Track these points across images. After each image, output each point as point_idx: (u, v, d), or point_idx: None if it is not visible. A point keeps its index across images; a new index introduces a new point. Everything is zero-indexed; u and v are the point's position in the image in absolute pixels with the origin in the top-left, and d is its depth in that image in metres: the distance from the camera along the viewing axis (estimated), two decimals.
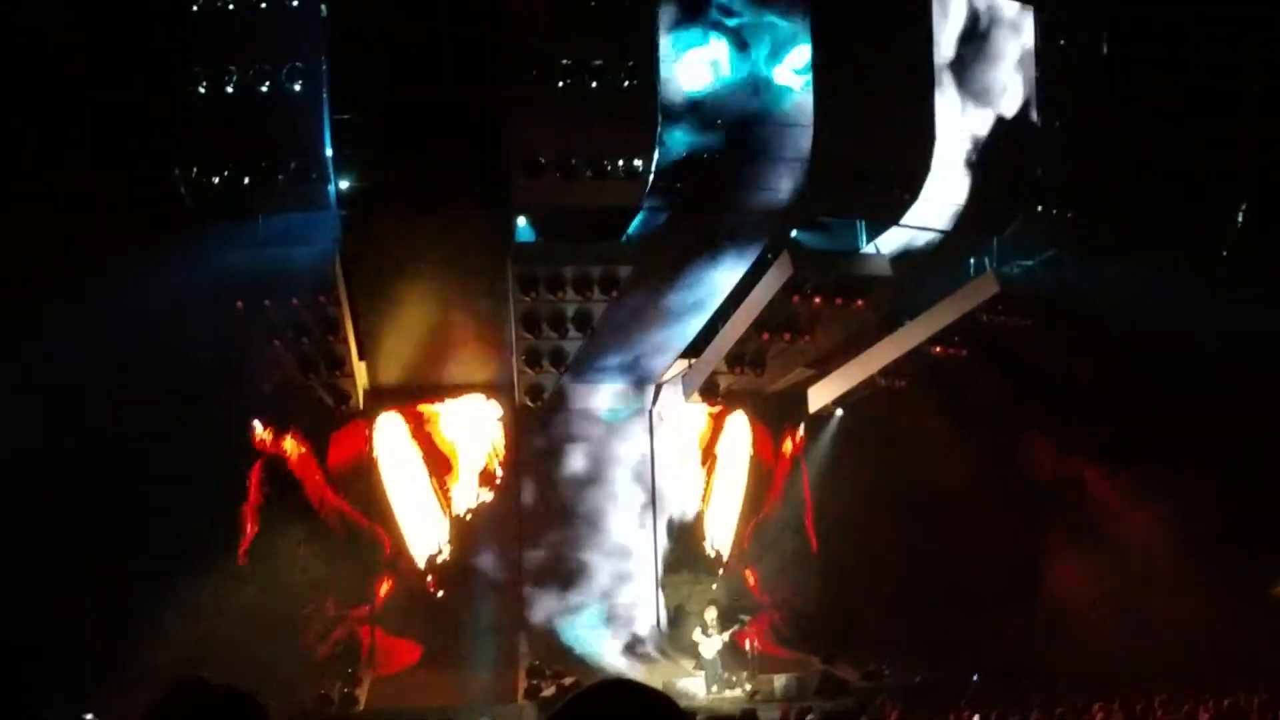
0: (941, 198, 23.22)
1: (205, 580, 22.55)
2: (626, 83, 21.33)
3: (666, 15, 21.62)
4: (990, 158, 23.51)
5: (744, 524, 26.99)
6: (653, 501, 26.05)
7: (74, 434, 20.96)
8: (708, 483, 27.06)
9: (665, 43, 21.60)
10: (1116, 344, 22.87)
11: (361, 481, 25.53)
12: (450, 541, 25.48)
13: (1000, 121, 23.67)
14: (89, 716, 6.34)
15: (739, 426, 27.26)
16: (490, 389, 25.46)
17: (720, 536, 26.96)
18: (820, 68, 21.98)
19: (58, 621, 20.47)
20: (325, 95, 20.73)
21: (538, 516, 25.80)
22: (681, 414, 26.47)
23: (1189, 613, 22.75)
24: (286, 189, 21.40)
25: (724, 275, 23.82)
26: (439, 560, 25.40)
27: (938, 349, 24.63)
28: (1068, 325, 23.10)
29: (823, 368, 26.69)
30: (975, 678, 22.87)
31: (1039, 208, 24.17)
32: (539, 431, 25.84)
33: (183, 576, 21.88)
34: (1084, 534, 23.08)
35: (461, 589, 25.03)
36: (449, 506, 25.58)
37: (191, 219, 21.14)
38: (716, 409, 26.80)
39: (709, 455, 27.04)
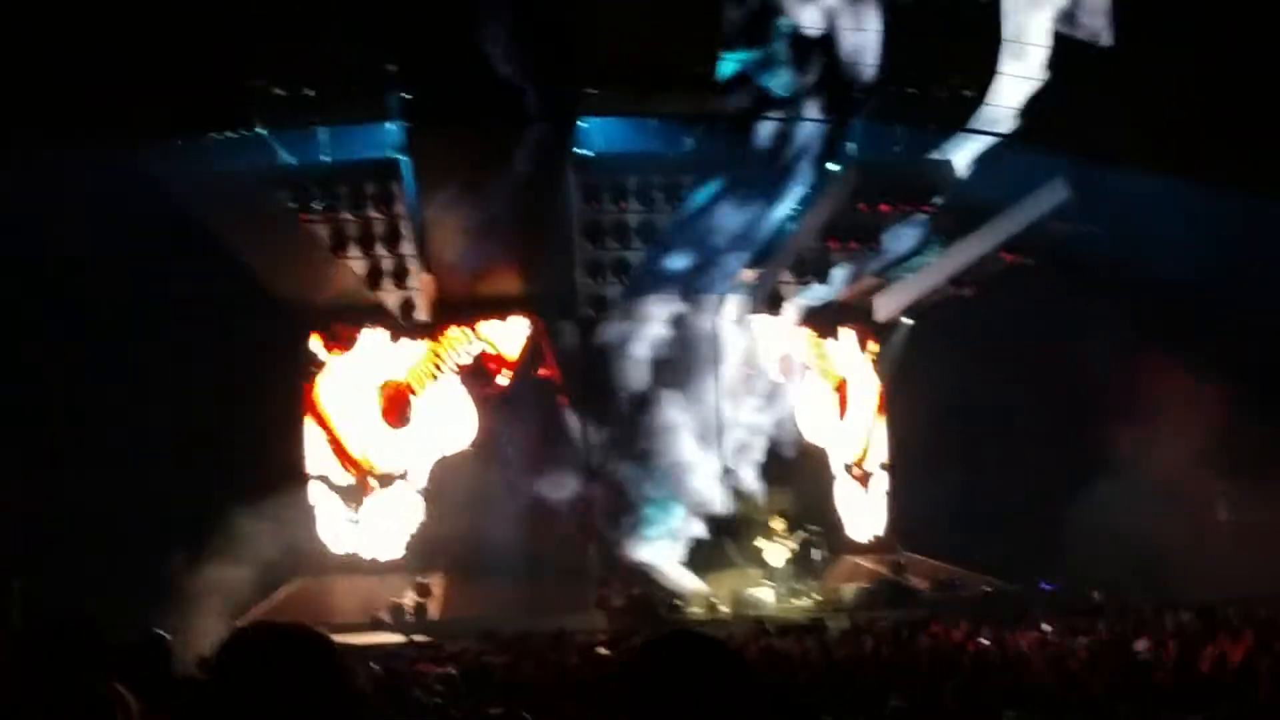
0: (1010, 102, 22.67)
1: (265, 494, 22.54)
2: None
3: None
4: (1059, 59, 22.86)
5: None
6: (717, 413, 25.93)
7: (121, 345, 20.91)
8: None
9: None
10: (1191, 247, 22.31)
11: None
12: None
13: (1069, 19, 22.95)
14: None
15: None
16: (553, 300, 25.34)
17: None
18: None
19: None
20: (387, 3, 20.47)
21: (600, 430, 25.75)
22: (750, 325, 26.33)
23: (1264, 517, 22.53)
24: (349, 99, 21.25)
25: (789, 184, 23.47)
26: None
27: (1008, 256, 24.24)
28: (1140, 230, 22.53)
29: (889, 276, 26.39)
30: (1046, 587, 22.81)
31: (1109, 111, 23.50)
32: (601, 343, 25.71)
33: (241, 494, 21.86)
34: (1155, 440, 22.71)
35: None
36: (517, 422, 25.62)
37: (251, 126, 21.06)
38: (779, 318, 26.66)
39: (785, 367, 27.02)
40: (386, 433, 25.14)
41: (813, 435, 27.07)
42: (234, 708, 2.70)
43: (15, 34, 17.87)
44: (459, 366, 25.32)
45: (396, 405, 25.23)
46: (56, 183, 19.18)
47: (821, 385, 27.38)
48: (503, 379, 25.55)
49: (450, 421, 25.21)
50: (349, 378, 25.20)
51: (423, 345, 25.31)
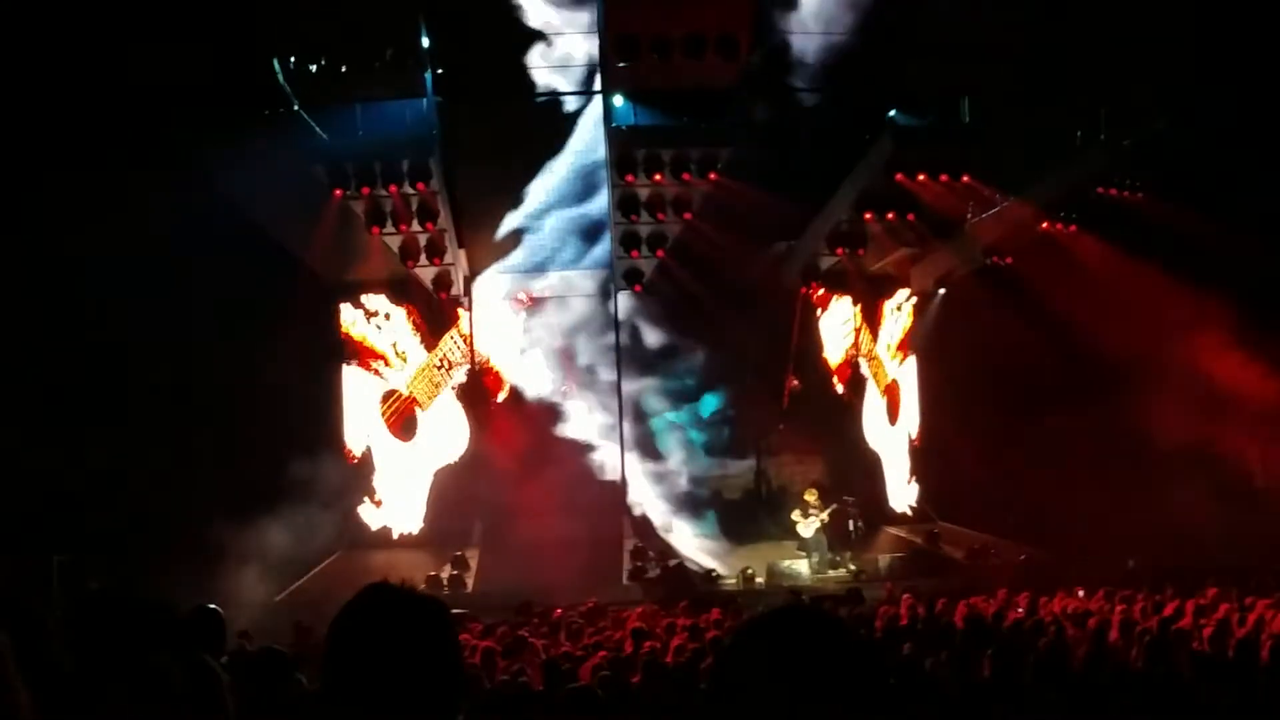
0: (1049, 67, 22.41)
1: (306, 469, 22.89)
2: None
3: None
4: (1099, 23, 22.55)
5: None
6: (752, 382, 26.01)
7: (162, 317, 21.08)
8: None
9: None
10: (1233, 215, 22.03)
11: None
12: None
13: None
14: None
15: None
16: (587, 274, 25.44)
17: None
18: None
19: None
20: None
21: (633, 400, 25.88)
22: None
23: None
24: (383, 76, 21.24)
25: (824, 154, 23.37)
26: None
27: (1044, 224, 24.05)
28: (1182, 196, 22.30)
29: (925, 246, 26.28)
30: (1081, 555, 22.70)
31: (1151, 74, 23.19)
32: (636, 314, 25.81)
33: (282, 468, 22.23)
34: (1197, 408, 22.53)
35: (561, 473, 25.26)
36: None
37: (288, 108, 21.08)
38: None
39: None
40: (394, 445, 25.74)
41: (871, 443, 27.40)
42: (358, 667, 2.76)
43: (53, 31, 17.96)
44: (457, 387, 25.99)
45: (403, 419, 25.71)
46: None
47: (876, 394, 27.68)
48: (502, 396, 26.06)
49: (451, 433, 25.89)
50: (356, 387, 25.79)
51: (422, 355, 25.74)
